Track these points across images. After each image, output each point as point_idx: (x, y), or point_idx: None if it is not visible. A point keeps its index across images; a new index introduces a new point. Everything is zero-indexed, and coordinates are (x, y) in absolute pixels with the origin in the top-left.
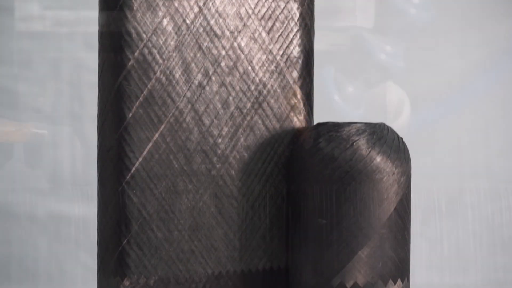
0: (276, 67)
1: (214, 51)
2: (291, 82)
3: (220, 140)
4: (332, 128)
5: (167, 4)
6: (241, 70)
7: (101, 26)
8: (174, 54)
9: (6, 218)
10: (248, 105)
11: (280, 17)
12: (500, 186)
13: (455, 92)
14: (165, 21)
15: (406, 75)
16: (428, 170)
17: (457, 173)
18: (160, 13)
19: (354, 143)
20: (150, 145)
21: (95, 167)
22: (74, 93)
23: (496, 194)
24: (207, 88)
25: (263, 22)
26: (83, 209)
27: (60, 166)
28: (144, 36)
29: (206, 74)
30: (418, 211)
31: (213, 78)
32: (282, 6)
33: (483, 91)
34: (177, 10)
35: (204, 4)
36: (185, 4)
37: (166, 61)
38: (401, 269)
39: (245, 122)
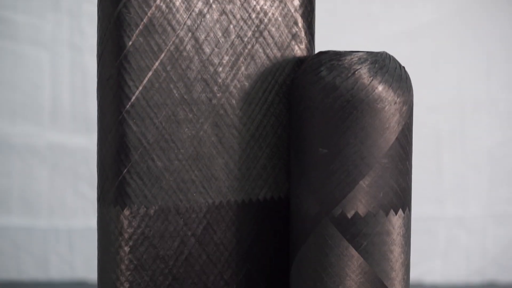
0: None
1: None
2: (292, 11)
3: (220, 69)
4: (334, 57)
5: None
6: None
7: None
8: None
9: (6, 150)
10: (249, 33)
11: None
12: (501, 118)
13: (458, 24)
14: None
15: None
16: (429, 102)
17: (458, 105)
18: None
19: (356, 72)
20: (150, 73)
21: (95, 99)
22: (74, 24)
23: (497, 127)
24: (208, 16)
25: None
26: (83, 141)
27: (60, 97)
28: None
29: (206, 1)
30: (419, 143)
31: (214, 6)
32: None
33: (485, 21)
34: None
35: None
36: None
37: None
38: (402, 199)
39: (246, 50)
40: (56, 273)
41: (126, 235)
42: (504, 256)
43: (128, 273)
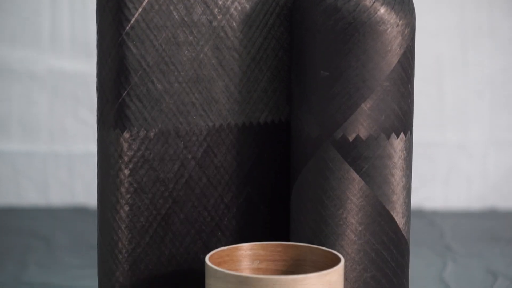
0: None
1: None
2: None
3: None
4: None
5: None
6: None
7: None
8: None
9: (6, 75)
10: None
11: None
12: (503, 44)
13: None
14: None
15: None
16: (431, 28)
17: (460, 31)
18: None
19: None
20: None
21: (94, 23)
22: None
23: (499, 53)
24: None
25: None
26: (83, 66)
27: (59, 22)
28: None
29: None
30: (420, 69)
31: None
32: None
33: None
34: None
35: None
36: None
37: None
38: (404, 122)
39: None
40: (56, 198)
41: (126, 158)
42: (505, 182)
43: (128, 196)
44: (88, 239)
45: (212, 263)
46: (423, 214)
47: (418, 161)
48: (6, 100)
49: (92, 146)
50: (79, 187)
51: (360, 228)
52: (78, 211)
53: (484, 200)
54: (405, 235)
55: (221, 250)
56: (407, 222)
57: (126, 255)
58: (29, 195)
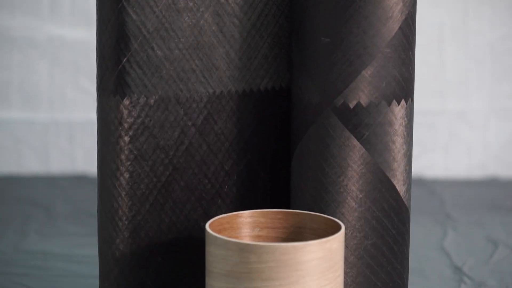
0: None
1: None
2: None
3: None
4: None
5: None
6: None
7: None
8: None
9: (6, 44)
10: None
11: None
12: (504, 12)
13: None
14: None
15: None
16: None
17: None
18: None
19: None
20: None
21: None
22: None
23: (500, 21)
24: None
25: None
26: (83, 34)
27: None
28: None
29: None
30: (421, 37)
31: None
32: None
33: None
34: None
35: None
36: None
37: None
38: (405, 89)
39: None
40: (56, 166)
41: (126, 125)
42: (505, 151)
43: (128, 163)
44: (88, 208)
45: (213, 230)
46: (423, 182)
47: (418, 130)
48: (6, 69)
49: (92, 114)
50: (80, 155)
51: (360, 196)
52: (78, 180)
53: (484, 169)
54: (405, 202)
55: (221, 218)
56: (408, 190)
57: (126, 222)
58: (29, 163)
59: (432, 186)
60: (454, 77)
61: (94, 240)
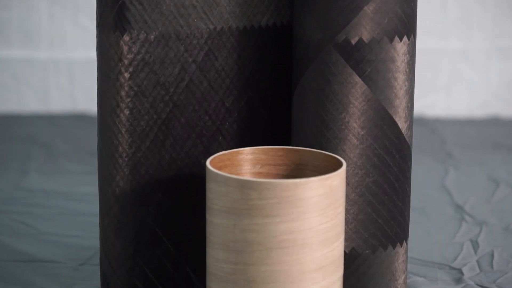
0: None
1: None
2: None
3: None
4: None
5: None
6: None
7: None
8: None
9: None
10: None
11: None
12: None
13: None
14: None
15: None
16: None
17: None
18: None
19: None
20: None
21: None
22: None
23: None
24: None
25: None
26: None
27: None
28: None
29: None
30: None
31: None
32: None
33: None
34: None
35: None
36: None
37: None
38: (407, 26)
39: None
40: (57, 105)
41: (126, 61)
42: (507, 90)
43: (128, 99)
44: (88, 146)
45: (213, 167)
46: (425, 121)
47: (420, 69)
48: (6, 7)
49: (92, 53)
50: (80, 94)
51: (362, 133)
52: (78, 118)
53: (486, 108)
54: (407, 139)
55: (222, 154)
56: (410, 127)
57: (126, 159)
58: (29, 102)
59: (434, 125)
60: (457, 16)
61: (94, 178)
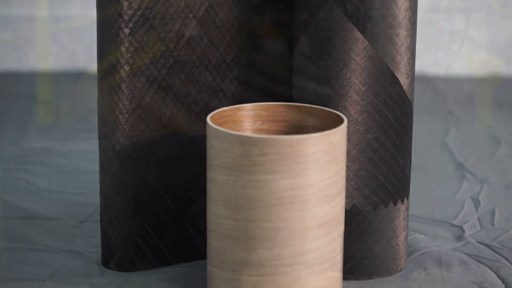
0: None
1: None
2: None
3: None
4: None
5: None
6: None
7: None
8: None
9: None
10: None
11: None
12: None
13: None
14: None
15: None
16: None
17: None
18: None
19: None
20: None
21: None
22: None
23: None
24: None
25: None
26: None
27: None
28: None
29: None
30: None
31: None
32: None
33: None
34: None
35: None
36: None
37: None
38: None
39: None
40: (56, 63)
41: (126, 17)
42: (509, 48)
43: (129, 55)
44: (88, 104)
45: (214, 123)
46: (426, 80)
47: (420, 27)
48: None
49: (92, 11)
50: (80, 51)
51: (363, 89)
52: (77, 76)
53: (487, 66)
54: (409, 96)
55: (222, 110)
56: (411, 83)
57: (126, 115)
58: (29, 59)
59: (435, 83)
60: None
61: (95, 136)
